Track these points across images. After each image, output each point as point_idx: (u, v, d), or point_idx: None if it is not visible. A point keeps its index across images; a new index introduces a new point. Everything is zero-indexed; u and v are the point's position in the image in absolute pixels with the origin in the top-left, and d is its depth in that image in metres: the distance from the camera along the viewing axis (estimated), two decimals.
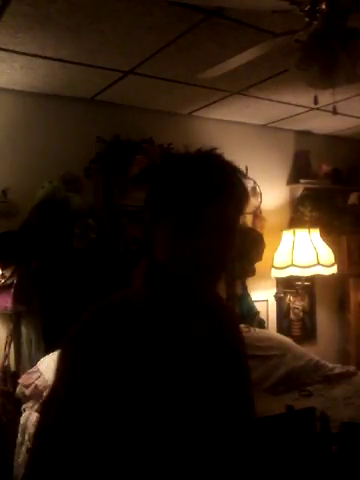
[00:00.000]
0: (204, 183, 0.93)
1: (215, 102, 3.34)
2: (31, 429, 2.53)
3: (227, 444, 0.99)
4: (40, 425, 0.96)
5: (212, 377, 1.00)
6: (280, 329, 3.86)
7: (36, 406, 2.56)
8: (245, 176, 1.01)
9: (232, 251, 1.00)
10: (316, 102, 2.26)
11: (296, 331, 3.90)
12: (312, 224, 3.82)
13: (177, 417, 0.92)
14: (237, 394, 1.05)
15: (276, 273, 3.63)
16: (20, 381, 2.71)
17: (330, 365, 3.20)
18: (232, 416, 1.02)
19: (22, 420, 2.65)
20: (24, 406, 2.70)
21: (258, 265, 3.59)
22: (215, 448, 0.96)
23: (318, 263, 3.48)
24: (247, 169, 3.75)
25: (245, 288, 3.63)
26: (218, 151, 1.01)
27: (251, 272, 3.59)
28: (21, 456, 2.56)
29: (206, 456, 0.95)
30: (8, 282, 2.73)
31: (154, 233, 0.99)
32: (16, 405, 2.73)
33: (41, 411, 0.97)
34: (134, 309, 0.96)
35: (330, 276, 3.62)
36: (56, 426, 0.91)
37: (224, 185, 0.95)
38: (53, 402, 0.93)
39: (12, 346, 2.82)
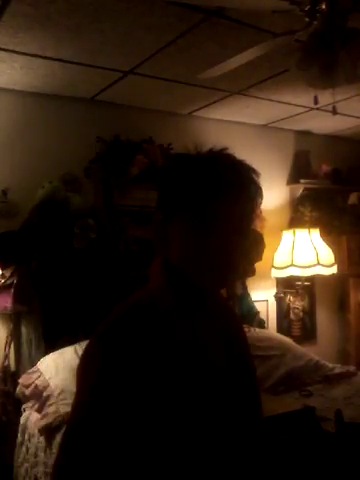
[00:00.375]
0: (215, 180, 0.94)
1: (215, 102, 3.34)
2: (31, 429, 2.53)
3: (243, 443, 1.01)
4: (72, 424, 0.91)
5: (228, 379, 1.00)
6: (280, 329, 3.86)
7: (36, 406, 2.56)
8: (259, 175, 1.05)
9: (244, 251, 0.99)
10: (316, 102, 2.26)
11: (296, 331, 3.90)
12: (312, 224, 3.82)
13: (207, 419, 0.93)
14: (248, 395, 1.07)
15: (276, 273, 3.63)
16: (20, 381, 2.71)
17: (330, 365, 3.19)
18: (246, 417, 1.03)
19: (22, 420, 2.66)
20: (24, 406, 2.70)
21: (258, 265, 3.59)
22: (234, 447, 0.98)
23: (318, 263, 3.48)
24: None
25: (245, 288, 3.63)
26: (229, 151, 1.03)
27: (251, 272, 3.59)
28: (21, 456, 2.56)
29: (228, 456, 0.96)
30: (8, 282, 2.73)
31: (167, 233, 0.99)
32: (16, 405, 2.73)
33: (73, 412, 0.91)
34: (162, 311, 0.96)
35: (330, 276, 3.62)
36: (89, 426, 0.87)
37: (235, 183, 0.96)
38: (85, 404, 0.89)
39: (12, 346, 2.82)
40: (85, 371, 0.92)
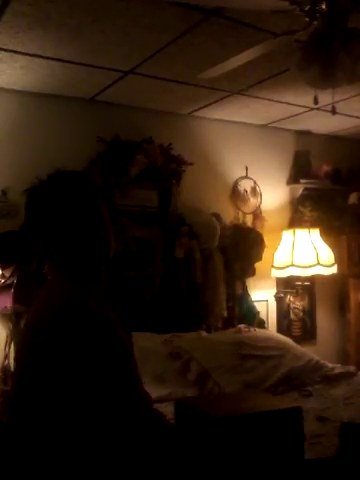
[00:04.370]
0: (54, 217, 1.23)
1: (215, 102, 3.34)
2: None
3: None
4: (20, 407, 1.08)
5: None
6: (280, 329, 3.85)
7: None
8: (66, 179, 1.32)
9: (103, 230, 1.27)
10: (316, 102, 2.26)
11: (296, 331, 3.90)
12: (312, 224, 3.82)
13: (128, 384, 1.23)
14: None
15: (276, 273, 3.63)
16: None
17: (330, 365, 3.19)
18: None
19: None
20: None
21: (258, 265, 3.59)
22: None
23: (318, 263, 3.48)
24: (247, 169, 3.77)
25: (245, 288, 3.63)
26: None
27: (251, 272, 3.59)
28: None
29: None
30: (8, 282, 2.73)
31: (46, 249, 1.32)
32: None
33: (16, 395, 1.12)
34: (82, 299, 1.19)
35: (330, 276, 3.62)
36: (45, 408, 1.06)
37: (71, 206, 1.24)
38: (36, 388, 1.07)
39: (12, 346, 2.82)
40: (29, 356, 1.12)
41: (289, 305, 3.92)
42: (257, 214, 3.79)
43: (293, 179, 4.01)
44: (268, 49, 2.03)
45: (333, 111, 2.26)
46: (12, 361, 2.83)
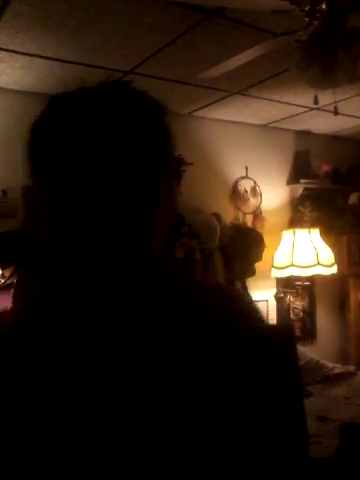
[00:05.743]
0: (92, 131, 0.63)
1: (215, 102, 3.34)
2: None
3: None
4: None
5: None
6: None
7: None
8: (164, 113, 0.72)
9: (164, 222, 0.68)
10: (316, 102, 2.26)
11: (296, 331, 3.90)
12: (312, 224, 3.82)
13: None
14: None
15: (276, 273, 3.63)
16: None
17: (330, 365, 3.20)
18: None
19: None
20: None
21: (258, 265, 3.59)
22: None
23: (318, 263, 3.48)
24: (247, 169, 3.77)
25: (245, 288, 3.63)
26: (128, 82, 0.72)
27: (251, 272, 3.59)
28: None
29: None
30: (8, 282, 2.73)
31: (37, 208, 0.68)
32: None
33: None
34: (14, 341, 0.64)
35: (330, 276, 3.62)
36: None
37: (122, 134, 0.64)
38: None
39: None
40: None
41: (289, 305, 3.93)
42: (257, 214, 3.79)
43: (293, 179, 4.02)
44: (268, 49, 2.03)
45: (335, 112, 2.27)
46: None
